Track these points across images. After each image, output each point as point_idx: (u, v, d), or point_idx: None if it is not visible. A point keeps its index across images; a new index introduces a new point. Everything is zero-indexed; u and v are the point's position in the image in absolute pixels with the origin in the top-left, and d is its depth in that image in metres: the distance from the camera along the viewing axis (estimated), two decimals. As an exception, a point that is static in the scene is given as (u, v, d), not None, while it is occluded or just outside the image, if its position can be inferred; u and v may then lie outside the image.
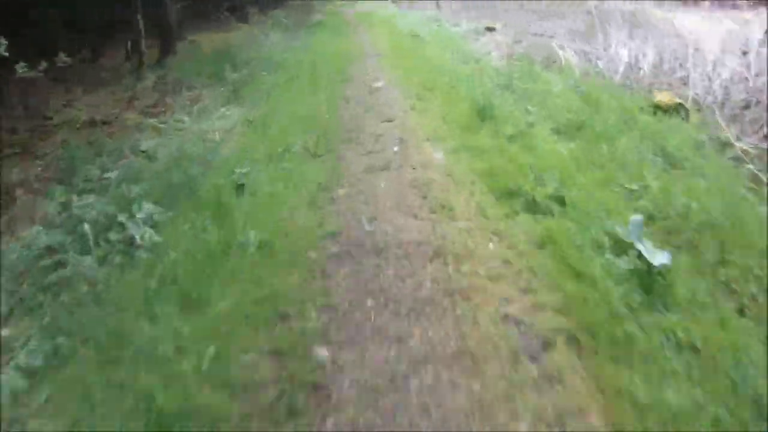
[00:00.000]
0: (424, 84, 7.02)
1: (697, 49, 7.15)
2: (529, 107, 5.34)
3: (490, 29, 12.50)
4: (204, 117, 6.66)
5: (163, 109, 7.18)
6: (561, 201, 3.24)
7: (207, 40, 14.19)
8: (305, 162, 4.34)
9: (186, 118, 6.62)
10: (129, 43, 9.57)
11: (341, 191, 3.59)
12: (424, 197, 3.36)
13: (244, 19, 16.10)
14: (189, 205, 3.61)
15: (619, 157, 3.89)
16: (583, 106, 5.04)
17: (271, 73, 9.00)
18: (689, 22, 10.12)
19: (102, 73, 10.90)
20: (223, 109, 6.92)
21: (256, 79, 8.59)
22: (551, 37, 8.89)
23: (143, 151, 5.45)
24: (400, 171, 3.84)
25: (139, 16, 9.23)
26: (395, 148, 4.34)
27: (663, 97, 4.88)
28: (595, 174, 3.70)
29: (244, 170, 4.06)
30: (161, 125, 6.47)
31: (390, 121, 5.29)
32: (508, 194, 3.31)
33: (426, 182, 3.58)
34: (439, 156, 4.11)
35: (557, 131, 4.59)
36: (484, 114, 4.94)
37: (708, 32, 8.63)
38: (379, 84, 7.32)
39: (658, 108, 4.79)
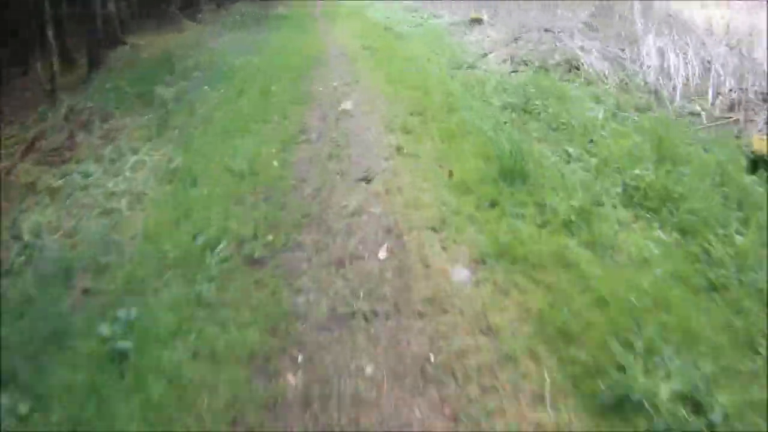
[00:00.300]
0: (410, 105, 5.36)
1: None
2: (570, 149, 3.76)
3: (476, 21, 10.84)
4: (117, 164, 4.92)
5: (69, 154, 5.43)
6: (701, 409, 1.68)
7: (154, 43, 12.25)
8: (235, 277, 2.69)
9: (93, 168, 4.90)
10: (39, 64, 7.61)
11: (291, 379, 1.95)
12: (454, 417, 1.74)
13: (194, 16, 14.14)
14: (55, 384, 2.06)
15: (745, 270, 2.35)
16: (651, 152, 3.46)
17: (215, 88, 7.20)
18: (701, 15, 8.58)
19: (27, 93, 8.99)
20: (144, 149, 5.19)
21: (195, 98, 6.78)
22: (558, 33, 7.26)
23: (20, 239, 3.77)
24: (396, 323, 2.14)
25: (48, 29, 7.23)
26: (382, 254, 2.65)
27: (762, 146, 3.32)
28: (722, 312, 2.14)
29: (131, 314, 2.41)
30: (60, 182, 4.76)
31: (368, 180, 3.63)
32: (609, 402, 1.71)
33: (448, 362, 1.90)
34: (461, 276, 2.42)
35: (629, 201, 3.01)
36: (512, 171, 3.31)
37: (735, 27, 7.11)
38: (348, 105, 5.63)
39: (761, 161, 3.24)
